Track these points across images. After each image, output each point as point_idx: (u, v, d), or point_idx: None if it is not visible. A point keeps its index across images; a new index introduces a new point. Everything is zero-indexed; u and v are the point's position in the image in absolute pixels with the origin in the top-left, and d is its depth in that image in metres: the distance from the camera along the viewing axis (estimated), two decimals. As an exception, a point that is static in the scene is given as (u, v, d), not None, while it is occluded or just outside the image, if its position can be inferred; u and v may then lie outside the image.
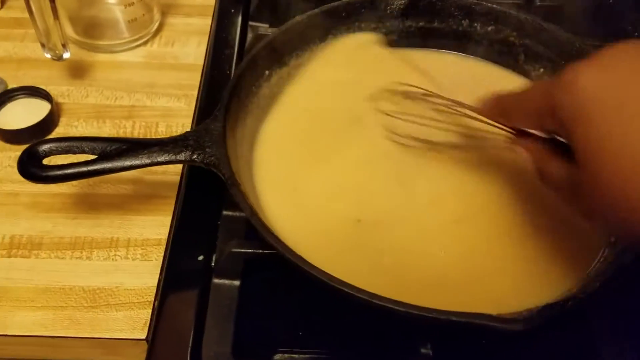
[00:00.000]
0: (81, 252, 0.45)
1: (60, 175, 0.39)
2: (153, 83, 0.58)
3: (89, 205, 0.48)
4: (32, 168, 0.39)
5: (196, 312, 0.42)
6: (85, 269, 0.45)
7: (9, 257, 0.45)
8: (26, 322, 0.42)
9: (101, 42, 0.60)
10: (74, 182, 0.49)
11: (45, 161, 0.40)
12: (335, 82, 0.51)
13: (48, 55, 0.53)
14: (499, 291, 0.39)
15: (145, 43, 0.62)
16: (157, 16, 0.63)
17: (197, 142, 0.41)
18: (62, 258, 0.45)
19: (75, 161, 0.40)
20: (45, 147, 0.39)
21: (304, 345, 0.43)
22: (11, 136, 0.52)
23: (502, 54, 0.52)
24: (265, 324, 0.44)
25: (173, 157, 0.40)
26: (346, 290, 0.34)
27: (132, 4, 0.59)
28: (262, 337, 0.43)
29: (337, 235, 0.44)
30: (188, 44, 0.62)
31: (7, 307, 0.42)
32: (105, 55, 0.60)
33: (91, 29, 0.60)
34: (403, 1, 0.52)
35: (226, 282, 0.43)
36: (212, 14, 0.65)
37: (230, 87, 0.45)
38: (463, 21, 0.52)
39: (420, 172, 0.46)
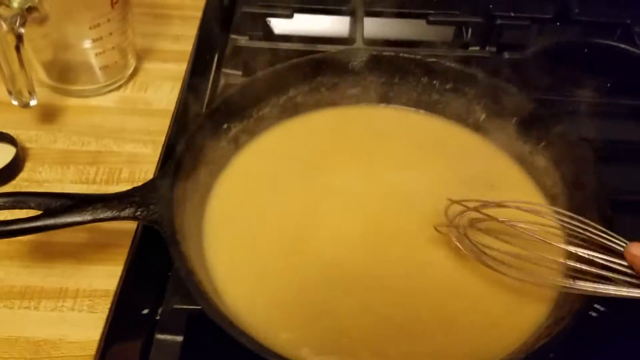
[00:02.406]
0: (29, 302, 0.46)
1: (3, 231, 0.39)
2: (122, 128, 0.59)
3: (43, 253, 0.49)
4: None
5: (136, 368, 0.42)
6: (32, 319, 0.45)
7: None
8: (-32, 372, 0.42)
9: (74, 87, 0.61)
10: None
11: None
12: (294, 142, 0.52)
13: (15, 102, 0.54)
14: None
15: (118, 88, 0.63)
16: (132, 62, 0.64)
17: (142, 199, 0.41)
18: (11, 308, 0.45)
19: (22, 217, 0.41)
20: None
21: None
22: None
23: (463, 113, 0.52)
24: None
25: (116, 214, 0.41)
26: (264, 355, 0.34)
27: (105, 51, 0.60)
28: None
29: (289, 297, 0.44)
30: (161, 89, 0.63)
31: (-50, 357, 0.43)
32: (78, 99, 0.62)
33: (65, 74, 0.61)
34: (364, 58, 0.52)
35: (169, 337, 0.44)
36: (187, 60, 0.66)
37: (184, 142, 0.46)
38: (423, 78, 0.52)
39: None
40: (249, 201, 0.48)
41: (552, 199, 0.47)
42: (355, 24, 0.65)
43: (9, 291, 0.46)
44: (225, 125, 0.50)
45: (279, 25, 0.68)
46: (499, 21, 0.66)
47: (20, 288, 0.47)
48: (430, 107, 0.53)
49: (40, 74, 0.61)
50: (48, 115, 0.60)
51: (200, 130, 0.48)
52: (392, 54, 0.52)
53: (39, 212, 0.41)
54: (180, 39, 0.69)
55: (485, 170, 0.49)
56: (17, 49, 0.50)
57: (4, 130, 0.56)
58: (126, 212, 0.41)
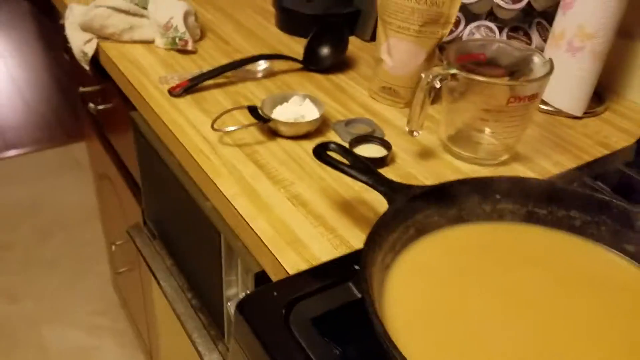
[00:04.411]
0: (312, 219, 0.68)
1: (324, 159, 0.63)
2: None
3: (341, 205, 0.70)
4: (318, 149, 0.64)
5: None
6: (300, 223, 0.67)
7: (294, 206, 0.71)
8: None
9: (453, 147, 0.81)
10: (351, 194, 0.72)
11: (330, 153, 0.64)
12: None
13: (406, 128, 0.78)
14: None
15: (481, 165, 0.79)
16: (505, 154, 0.80)
17: (397, 188, 0.59)
18: (295, 210, 0.69)
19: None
20: (333, 145, 0.64)
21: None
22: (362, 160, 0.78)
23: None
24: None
25: (376, 186, 0.59)
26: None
27: (488, 134, 0.77)
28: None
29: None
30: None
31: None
32: (447, 154, 0.81)
33: (458, 139, 0.81)
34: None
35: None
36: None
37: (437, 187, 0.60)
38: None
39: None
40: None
41: None
42: None
43: (305, 202, 0.70)
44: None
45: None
46: None
47: (317, 210, 0.69)
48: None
49: (444, 131, 0.83)
50: (421, 153, 0.81)
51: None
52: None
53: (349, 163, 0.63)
54: (557, 165, 0.80)
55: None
56: (427, 93, 0.73)
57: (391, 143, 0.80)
58: (380, 188, 0.59)
